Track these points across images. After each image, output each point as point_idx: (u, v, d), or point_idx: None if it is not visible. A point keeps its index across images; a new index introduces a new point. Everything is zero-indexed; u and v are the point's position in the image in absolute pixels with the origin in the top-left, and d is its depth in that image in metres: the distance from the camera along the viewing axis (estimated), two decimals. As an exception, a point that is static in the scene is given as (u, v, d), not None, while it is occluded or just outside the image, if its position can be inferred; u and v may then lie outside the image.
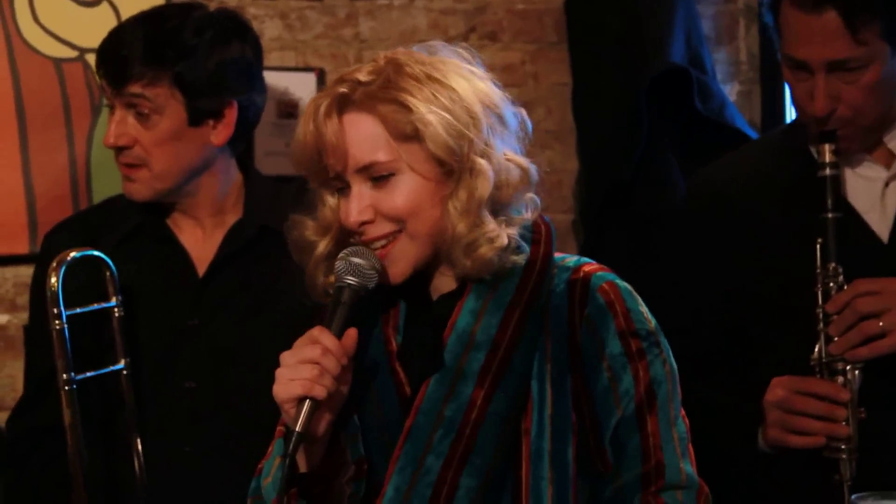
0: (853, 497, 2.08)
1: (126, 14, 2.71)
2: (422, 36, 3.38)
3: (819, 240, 2.36)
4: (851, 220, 2.41)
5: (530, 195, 1.97)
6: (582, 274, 1.95)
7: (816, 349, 2.36)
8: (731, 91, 3.57)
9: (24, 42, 3.14)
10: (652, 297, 2.12)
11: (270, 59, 3.31)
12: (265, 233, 2.57)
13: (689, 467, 1.96)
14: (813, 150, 2.46)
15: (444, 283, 1.98)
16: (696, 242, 2.57)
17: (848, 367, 2.34)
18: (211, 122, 2.56)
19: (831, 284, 2.36)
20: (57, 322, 2.47)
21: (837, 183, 2.38)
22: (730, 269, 2.50)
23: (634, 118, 3.29)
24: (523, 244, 1.94)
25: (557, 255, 1.99)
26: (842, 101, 2.34)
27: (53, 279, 2.47)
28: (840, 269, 2.35)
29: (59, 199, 3.14)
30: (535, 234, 1.97)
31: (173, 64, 2.51)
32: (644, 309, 1.96)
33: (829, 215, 2.36)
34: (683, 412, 1.98)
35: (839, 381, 2.34)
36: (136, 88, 2.51)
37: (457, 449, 1.90)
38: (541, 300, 1.94)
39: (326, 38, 3.36)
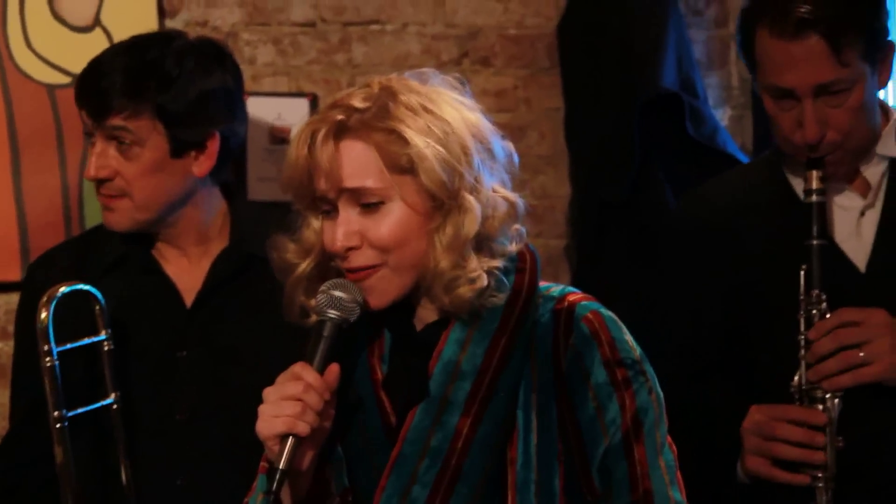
0: None
1: (119, 39, 2.71)
2: (414, 61, 3.38)
3: (804, 266, 2.35)
4: (830, 248, 2.41)
5: (517, 227, 1.97)
6: (566, 303, 1.94)
7: (797, 376, 2.36)
8: (722, 116, 3.57)
9: (17, 68, 3.15)
10: (646, 320, 2.13)
11: (263, 84, 3.32)
12: (251, 261, 2.54)
13: (677, 495, 1.95)
14: (790, 177, 2.47)
15: (427, 314, 1.98)
16: (681, 266, 2.59)
17: (828, 395, 2.34)
18: (193, 153, 2.55)
19: (814, 311, 2.35)
20: (48, 359, 2.45)
21: (823, 210, 2.37)
22: (712, 292, 2.50)
23: (627, 143, 3.29)
24: (504, 280, 1.93)
25: (542, 284, 1.99)
26: (830, 126, 2.34)
27: (44, 314, 2.44)
28: (823, 297, 2.35)
29: (51, 225, 3.14)
30: (520, 264, 1.97)
31: (155, 95, 2.49)
32: (629, 338, 1.95)
33: (815, 242, 2.35)
34: (670, 440, 1.98)
35: (819, 408, 2.34)
36: (117, 121, 2.50)
37: (443, 479, 1.89)
38: (526, 329, 1.94)
39: (319, 63, 3.37)
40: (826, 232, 2.37)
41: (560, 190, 3.50)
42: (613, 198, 3.30)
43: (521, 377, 1.93)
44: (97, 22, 3.18)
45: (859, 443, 2.34)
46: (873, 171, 2.45)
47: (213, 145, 2.56)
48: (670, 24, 3.38)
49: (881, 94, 3.20)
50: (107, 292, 2.54)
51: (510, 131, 3.36)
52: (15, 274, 3.12)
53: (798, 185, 2.44)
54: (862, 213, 2.44)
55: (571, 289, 2.00)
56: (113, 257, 2.62)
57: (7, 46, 3.14)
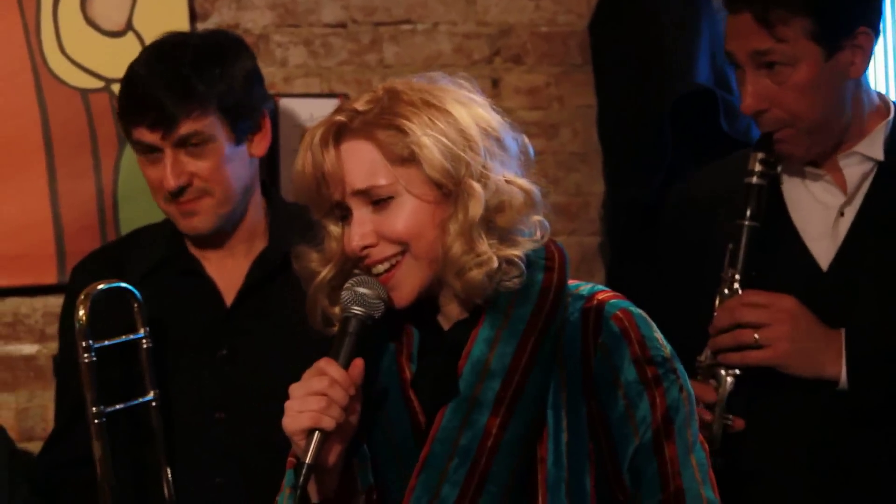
0: None
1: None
2: (446, 60, 3.39)
3: (729, 245, 2.40)
4: (795, 244, 2.44)
5: (538, 218, 1.96)
6: (595, 302, 1.94)
7: (704, 353, 2.40)
8: (757, 111, 3.55)
9: (51, 73, 3.17)
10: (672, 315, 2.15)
11: (295, 86, 3.33)
12: (288, 259, 2.56)
13: (710, 493, 1.94)
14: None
15: (453, 310, 1.98)
16: (669, 247, 2.66)
17: (723, 372, 2.37)
18: (250, 136, 2.60)
19: (726, 291, 2.39)
20: (86, 355, 2.47)
21: (762, 192, 2.41)
22: (694, 274, 2.53)
23: (660, 139, 3.28)
24: (522, 266, 1.92)
25: (571, 282, 1.98)
26: (775, 104, 2.38)
27: (82, 312, 2.47)
28: (737, 277, 2.38)
29: (86, 228, 3.16)
30: (549, 262, 1.96)
31: (210, 93, 2.52)
32: (659, 335, 1.95)
33: (745, 223, 2.40)
34: (702, 438, 1.97)
35: (712, 384, 2.37)
36: (187, 127, 2.51)
37: (472, 478, 1.89)
38: (555, 328, 1.93)
39: (351, 64, 3.38)
40: (758, 216, 2.40)
41: (594, 187, 3.49)
42: (645, 196, 3.29)
43: (550, 376, 1.92)
44: (129, 26, 3.20)
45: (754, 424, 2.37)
46: (854, 170, 2.44)
47: (266, 123, 2.63)
48: (703, 18, 3.37)
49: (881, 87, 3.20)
50: (147, 292, 2.56)
51: (543, 129, 3.41)
52: (51, 277, 3.15)
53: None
54: (841, 213, 2.44)
55: (601, 287, 1.99)
56: (155, 259, 2.65)
57: (41, 52, 3.16)
